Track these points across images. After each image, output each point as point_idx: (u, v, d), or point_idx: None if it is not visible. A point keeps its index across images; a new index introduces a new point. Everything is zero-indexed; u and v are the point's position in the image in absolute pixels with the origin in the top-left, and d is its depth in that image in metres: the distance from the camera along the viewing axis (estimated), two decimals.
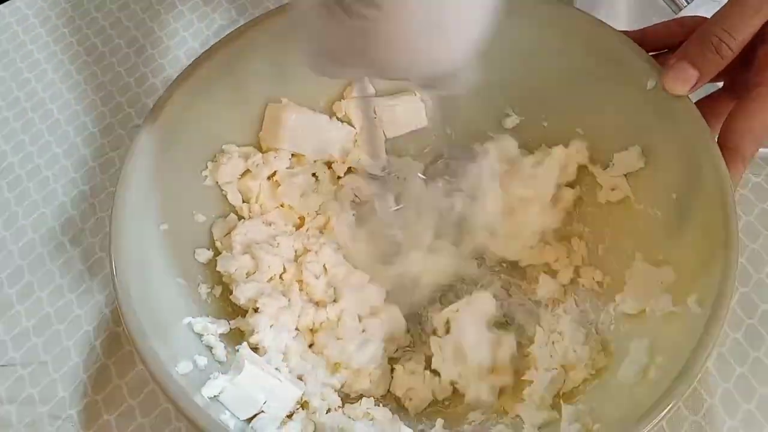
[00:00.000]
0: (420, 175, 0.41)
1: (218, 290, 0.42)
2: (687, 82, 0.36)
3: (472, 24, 0.27)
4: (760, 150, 0.43)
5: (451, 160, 0.40)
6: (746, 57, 0.36)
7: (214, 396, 0.34)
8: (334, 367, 0.40)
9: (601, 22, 0.41)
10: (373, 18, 0.25)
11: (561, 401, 0.37)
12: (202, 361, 0.36)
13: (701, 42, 0.36)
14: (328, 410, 0.38)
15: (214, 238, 0.43)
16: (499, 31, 0.42)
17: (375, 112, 0.35)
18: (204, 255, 0.42)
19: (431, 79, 0.30)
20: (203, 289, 0.41)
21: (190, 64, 0.41)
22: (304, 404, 0.38)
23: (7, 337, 0.45)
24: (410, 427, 0.37)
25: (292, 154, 0.45)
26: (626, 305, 0.39)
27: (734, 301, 0.44)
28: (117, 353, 0.44)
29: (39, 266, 0.48)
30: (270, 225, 0.44)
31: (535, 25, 0.42)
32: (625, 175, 0.42)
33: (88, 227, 0.49)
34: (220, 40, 0.42)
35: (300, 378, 0.39)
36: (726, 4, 0.36)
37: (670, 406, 0.30)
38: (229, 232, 0.43)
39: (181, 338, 0.37)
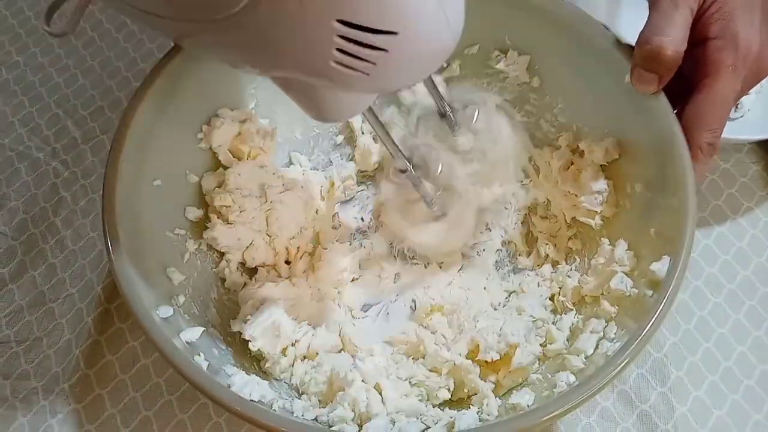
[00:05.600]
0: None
1: (204, 245, 0.44)
2: (650, 84, 0.38)
3: (460, 13, 0.29)
4: (730, 137, 0.46)
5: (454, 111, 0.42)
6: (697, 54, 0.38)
7: (192, 341, 0.36)
8: None
9: (585, 13, 0.42)
10: (381, 57, 0.27)
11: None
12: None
13: (640, 50, 0.37)
14: None
15: (204, 192, 0.45)
16: (492, 16, 0.44)
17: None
18: (194, 213, 0.44)
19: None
20: (191, 244, 0.43)
21: None
22: None
23: (1, 314, 0.46)
24: None
25: None
26: (589, 286, 0.41)
27: (700, 281, 0.46)
28: (109, 329, 0.45)
29: (32, 246, 0.49)
30: (262, 168, 0.46)
31: (526, 13, 0.44)
32: (601, 166, 0.44)
33: (79, 207, 0.50)
34: None
35: None
36: (650, 10, 0.38)
37: (620, 367, 0.32)
38: (218, 185, 0.45)
39: (164, 285, 0.39)
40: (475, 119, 0.42)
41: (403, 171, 0.40)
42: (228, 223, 0.44)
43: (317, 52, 0.26)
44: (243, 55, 0.29)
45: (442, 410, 0.38)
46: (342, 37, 0.26)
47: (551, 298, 0.44)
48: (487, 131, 0.43)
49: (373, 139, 0.50)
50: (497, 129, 0.43)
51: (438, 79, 0.48)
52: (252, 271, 0.45)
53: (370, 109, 0.34)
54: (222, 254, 0.44)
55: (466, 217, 0.44)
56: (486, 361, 0.40)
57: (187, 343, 0.36)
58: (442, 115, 0.41)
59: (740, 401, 0.42)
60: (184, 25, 0.28)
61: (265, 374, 0.40)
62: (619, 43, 0.40)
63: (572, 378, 0.35)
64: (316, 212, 0.47)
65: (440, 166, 0.40)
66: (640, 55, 0.37)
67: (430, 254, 0.46)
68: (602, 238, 0.42)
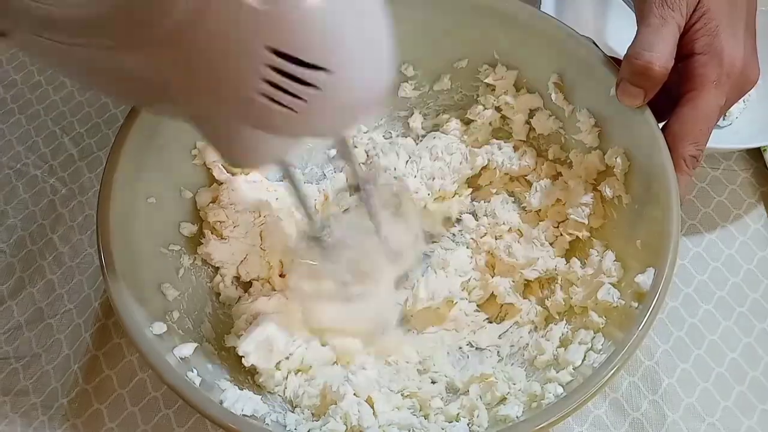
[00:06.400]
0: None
1: (199, 261, 0.44)
2: (636, 98, 0.38)
3: (388, 60, 0.27)
4: (719, 146, 0.46)
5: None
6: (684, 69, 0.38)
7: (186, 357, 0.37)
8: None
9: (571, 29, 0.42)
10: (312, 95, 0.25)
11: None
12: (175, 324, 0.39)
13: (629, 65, 0.38)
14: None
15: (198, 207, 0.45)
16: (481, 31, 0.45)
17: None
18: (188, 228, 0.44)
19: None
20: (186, 260, 0.43)
21: None
22: None
23: (0, 331, 0.47)
24: None
25: None
26: (578, 297, 0.41)
27: (691, 288, 0.47)
28: (106, 344, 0.46)
29: (30, 263, 0.50)
30: (256, 183, 0.46)
31: (514, 28, 0.44)
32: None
33: (76, 224, 0.51)
34: None
35: None
36: (638, 25, 0.38)
37: (609, 376, 0.33)
38: (212, 201, 0.45)
39: (158, 301, 0.39)
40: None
41: (314, 239, 0.38)
42: (222, 238, 0.44)
43: (243, 80, 0.25)
44: (163, 82, 0.26)
45: (434, 422, 0.38)
46: (271, 67, 0.24)
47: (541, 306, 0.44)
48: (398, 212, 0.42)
49: (367, 153, 0.51)
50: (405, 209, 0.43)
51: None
52: (247, 285, 0.46)
53: (287, 166, 0.33)
54: (216, 269, 0.45)
55: (379, 301, 0.43)
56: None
57: (181, 359, 0.36)
58: (356, 189, 0.38)
59: (732, 407, 0.43)
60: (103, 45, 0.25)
61: (259, 388, 0.40)
62: (605, 57, 0.41)
63: (560, 389, 0.35)
64: None
65: (353, 248, 0.39)
66: (629, 70, 0.38)
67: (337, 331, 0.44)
68: (591, 249, 0.43)
